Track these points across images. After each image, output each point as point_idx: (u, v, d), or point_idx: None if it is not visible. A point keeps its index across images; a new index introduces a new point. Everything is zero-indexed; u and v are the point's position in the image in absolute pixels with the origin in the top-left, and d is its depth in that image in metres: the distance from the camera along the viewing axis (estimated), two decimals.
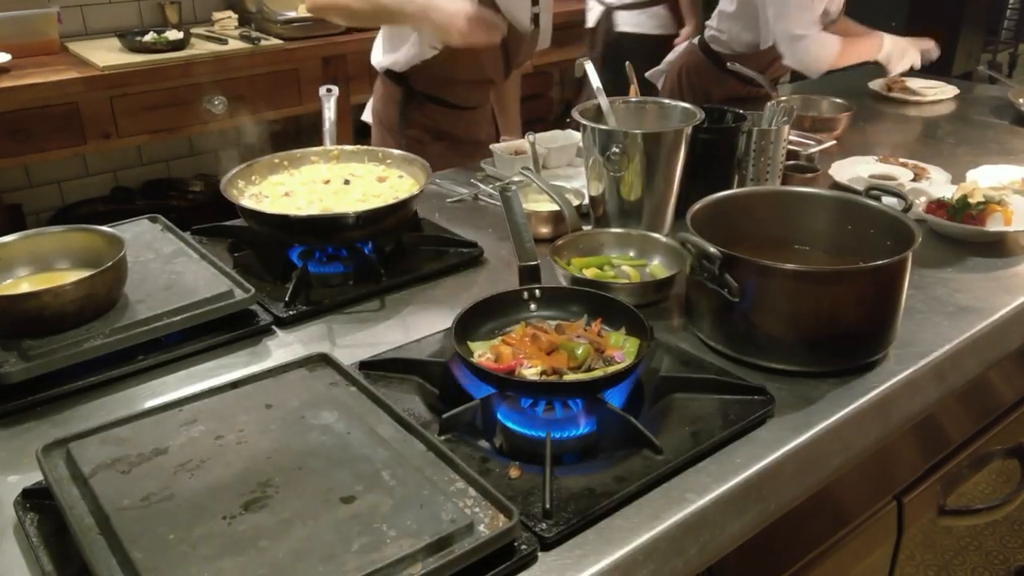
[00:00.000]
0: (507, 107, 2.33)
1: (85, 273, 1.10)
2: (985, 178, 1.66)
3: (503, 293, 1.15)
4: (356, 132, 3.51)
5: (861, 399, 1.06)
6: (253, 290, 1.21)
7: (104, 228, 1.23)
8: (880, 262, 1.05)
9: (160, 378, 1.11)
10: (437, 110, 2.06)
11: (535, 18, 2.03)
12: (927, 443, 1.30)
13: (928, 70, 3.17)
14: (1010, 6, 6.32)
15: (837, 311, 1.06)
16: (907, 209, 1.18)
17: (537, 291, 1.16)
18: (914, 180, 1.69)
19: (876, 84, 2.45)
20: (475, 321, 1.10)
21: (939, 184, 1.66)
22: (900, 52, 2.29)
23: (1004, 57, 6.40)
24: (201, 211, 3.07)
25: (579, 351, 1.01)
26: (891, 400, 1.09)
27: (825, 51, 2.21)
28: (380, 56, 2.07)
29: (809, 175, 1.61)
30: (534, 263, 1.17)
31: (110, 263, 1.11)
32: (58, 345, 1.05)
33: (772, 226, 1.26)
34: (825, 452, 1.02)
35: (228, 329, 1.19)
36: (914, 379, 1.12)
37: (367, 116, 2.21)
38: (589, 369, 1.00)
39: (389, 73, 2.05)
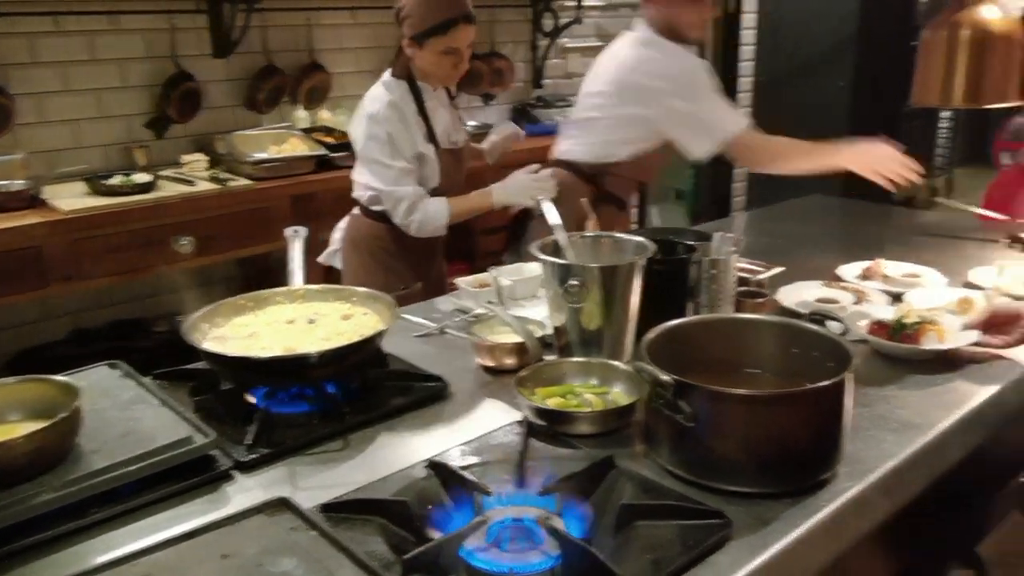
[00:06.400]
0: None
1: (38, 425, 1.08)
2: (921, 299, 1.73)
3: None
4: (326, 269, 3.57)
5: (814, 517, 1.08)
6: (214, 434, 1.19)
7: (58, 377, 1.22)
8: (819, 384, 1.10)
9: (114, 531, 1.08)
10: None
11: None
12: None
13: (871, 197, 3.31)
14: (941, 135, 6.73)
15: (784, 432, 1.10)
16: (845, 332, 1.23)
17: None
18: (856, 303, 1.76)
19: (849, 270, 2.01)
20: None
21: (879, 306, 1.73)
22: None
23: (941, 183, 6.76)
24: (166, 351, 3.04)
25: None
26: (842, 517, 1.11)
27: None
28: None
29: (759, 300, 1.66)
30: None
31: (63, 415, 1.10)
32: (6, 502, 1.02)
33: (724, 351, 1.30)
34: (782, 572, 1.02)
35: (186, 476, 1.16)
36: (863, 495, 1.15)
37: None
38: None
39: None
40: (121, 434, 1.19)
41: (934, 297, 1.76)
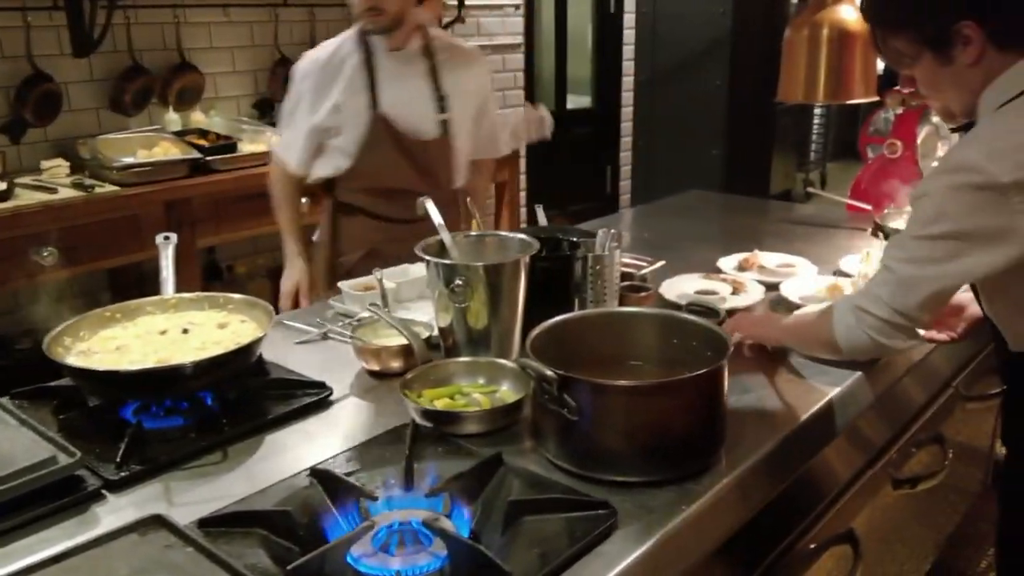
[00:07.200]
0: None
1: None
2: (795, 288, 1.82)
3: None
4: (205, 277, 3.43)
5: (696, 503, 1.11)
6: (79, 454, 1.13)
7: None
8: (696, 372, 1.13)
9: None
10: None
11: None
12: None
13: (749, 192, 3.49)
14: (815, 131, 7.11)
15: (665, 421, 1.12)
16: (721, 322, 1.27)
17: None
18: (734, 293, 1.83)
19: (728, 262, 2.06)
20: None
21: (755, 296, 1.80)
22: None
23: (816, 176, 7.14)
24: (30, 370, 2.83)
25: None
26: (724, 501, 1.15)
27: None
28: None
29: (643, 294, 1.70)
30: None
31: None
32: None
33: (607, 345, 1.32)
34: (668, 558, 1.05)
35: (52, 499, 1.09)
36: (743, 479, 1.18)
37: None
38: None
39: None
40: None
41: (807, 285, 1.85)
